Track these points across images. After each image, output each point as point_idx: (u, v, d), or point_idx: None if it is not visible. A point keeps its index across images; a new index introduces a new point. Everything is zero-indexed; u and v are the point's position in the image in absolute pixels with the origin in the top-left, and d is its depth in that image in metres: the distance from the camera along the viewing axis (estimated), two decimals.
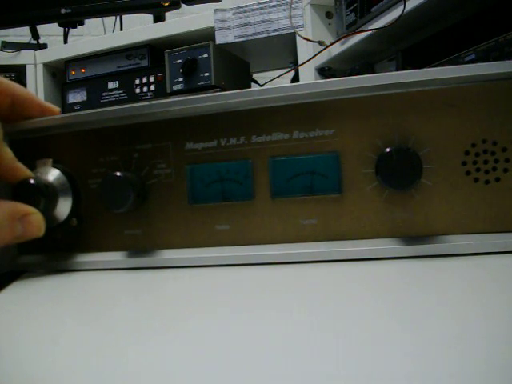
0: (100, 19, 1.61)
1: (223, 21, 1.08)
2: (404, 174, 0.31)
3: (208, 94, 0.35)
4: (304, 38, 0.94)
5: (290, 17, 1.00)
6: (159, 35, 1.16)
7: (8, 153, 0.34)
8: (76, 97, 1.24)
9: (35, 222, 0.33)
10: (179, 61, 1.01)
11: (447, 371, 0.16)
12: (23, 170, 0.35)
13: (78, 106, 1.24)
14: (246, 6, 1.06)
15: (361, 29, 0.82)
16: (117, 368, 0.19)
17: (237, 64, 1.14)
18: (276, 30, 1.04)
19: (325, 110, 0.34)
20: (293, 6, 1.00)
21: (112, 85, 1.19)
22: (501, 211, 0.31)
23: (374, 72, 0.87)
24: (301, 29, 0.99)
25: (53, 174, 0.38)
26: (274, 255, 0.34)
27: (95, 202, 0.38)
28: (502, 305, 0.22)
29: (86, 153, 0.39)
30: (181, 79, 1.02)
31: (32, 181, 0.35)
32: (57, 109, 0.41)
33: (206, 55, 0.99)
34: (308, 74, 1.03)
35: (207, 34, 1.10)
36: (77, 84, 1.25)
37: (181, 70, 1.00)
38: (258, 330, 0.22)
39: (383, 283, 0.28)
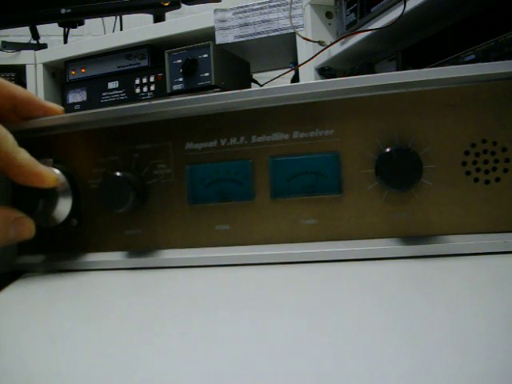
0: (100, 19, 1.61)
1: (223, 21, 1.08)
2: (404, 174, 0.31)
3: (208, 94, 0.35)
4: (304, 38, 0.94)
5: (290, 17, 1.00)
6: (159, 35, 1.16)
7: (25, 159, 0.34)
8: (76, 97, 1.24)
9: (26, 224, 0.34)
10: (179, 61, 1.01)
11: (447, 371, 0.16)
12: (48, 174, 0.35)
13: (78, 106, 1.24)
14: (246, 5, 1.06)
15: (361, 29, 0.82)
16: (117, 368, 0.19)
17: (237, 64, 1.14)
18: (276, 30, 1.05)
19: (325, 110, 0.34)
20: (293, 6, 1.00)
21: (112, 85, 1.19)
22: (501, 211, 0.31)
23: (374, 72, 0.87)
24: (301, 29, 0.99)
25: None
26: (274, 255, 0.34)
27: (95, 202, 0.38)
28: (502, 305, 0.22)
29: (86, 153, 0.39)
30: (181, 79, 1.02)
31: None
32: (60, 108, 0.40)
33: (206, 55, 0.99)
34: (308, 74, 1.03)
35: (207, 34, 1.10)
36: (77, 84, 1.25)
37: (181, 70, 1.00)
38: (257, 329, 0.22)
39: (383, 283, 0.28)
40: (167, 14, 1.33)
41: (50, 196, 0.37)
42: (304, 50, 1.02)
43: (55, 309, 0.29)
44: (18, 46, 1.37)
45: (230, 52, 1.09)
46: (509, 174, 0.31)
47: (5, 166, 0.33)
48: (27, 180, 0.34)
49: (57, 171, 0.38)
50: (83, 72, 1.25)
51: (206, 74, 0.99)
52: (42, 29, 1.44)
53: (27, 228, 0.34)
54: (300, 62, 0.99)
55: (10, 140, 0.33)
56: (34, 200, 0.35)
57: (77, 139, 0.39)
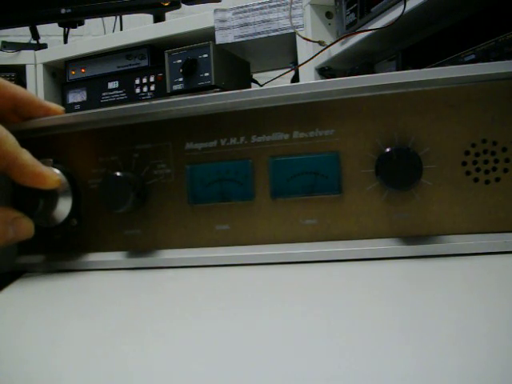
0: (100, 19, 1.61)
1: (223, 21, 1.08)
2: (404, 174, 0.31)
3: (208, 94, 0.35)
4: (304, 38, 0.94)
5: (290, 17, 1.00)
6: (159, 35, 1.16)
7: (27, 159, 0.34)
8: (76, 97, 1.24)
9: (25, 224, 0.34)
10: (179, 61, 1.01)
11: (448, 371, 0.16)
12: (50, 176, 0.35)
13: (78, 106, 1.24)
14: (246, 5, 1.06)
15: (361, 29, 0.82)
16: (117, 368, 0.19)
17: (237, 64, 1.14)
18: (276, 30, 1.05)
19: (325, 110, 0.34)
20: (293, 6, 1.00)
21: (112, 85, 1.19)
22: (501, 211, 0.31)
23: (374, 72, 0.87)
24: (301, 29, 0.99)
25: None
26: (273, 255, 0.34)
27: (95, 202, 0.38)
28: (503, 305, 0.22)
29: (86, 153, 0.39)
30: (181, 79, 1.02)
31: None
32: (60, 109, 0.40)
33: (206, 55, 0.99)
34: (308, 74, 1.03)
35: (207, 34, 1.10)
36: (77, 84, 1.25)
37: (181, 70, 1.00)
38: (257, 329, 0.22)
39: (383, 283, 0.28)
40: (167, 14, 1.33)
41: (50, 196, 0.37)
42: (304, 50, 1.02)
43: (55, 309, 0.29)
44: (18, 46, 1.37)
45: (229, 52, 1.09)
46: (509, 174, 0.31)
47: (7, 166, 0.33)
48: (29, 181, 0.34)
49: (57, 171, 0.38)
50: (83, 72, 1.26)
51: (206, 74, 0.99)
52: (42, 29, 1.44)
53: (26, 228, 0.34)
54: (300, 62, 0.99)
55: (11, 140, 0.33)
56: (35, 200, 0.35)
57: (77, 139, 0.39)
